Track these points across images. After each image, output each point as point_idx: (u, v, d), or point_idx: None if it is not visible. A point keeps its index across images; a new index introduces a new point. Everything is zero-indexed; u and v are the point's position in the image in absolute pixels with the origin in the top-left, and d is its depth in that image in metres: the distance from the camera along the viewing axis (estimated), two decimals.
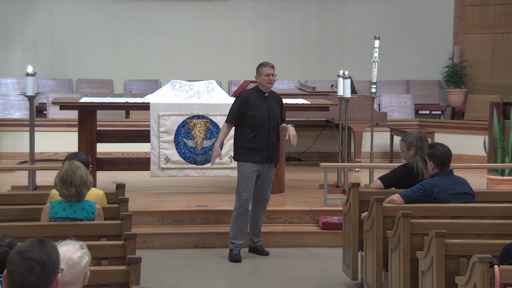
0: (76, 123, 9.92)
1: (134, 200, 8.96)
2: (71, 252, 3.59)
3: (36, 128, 9.84)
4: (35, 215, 6.10)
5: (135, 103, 10.19)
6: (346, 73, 10.18)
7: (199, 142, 9.80)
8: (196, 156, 9.80)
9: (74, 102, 10.29)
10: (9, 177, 11.07)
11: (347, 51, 14.55)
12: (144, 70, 14.32)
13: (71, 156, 6.54)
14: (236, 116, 8.25)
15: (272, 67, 8.32)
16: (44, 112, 13.56)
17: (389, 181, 7.23)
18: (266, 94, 8.35)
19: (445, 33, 14.62)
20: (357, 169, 11.77)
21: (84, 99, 10.46)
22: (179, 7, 14.40)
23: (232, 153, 9.78)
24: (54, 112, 13.07)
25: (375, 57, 9.89)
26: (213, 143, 9.76)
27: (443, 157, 6.61)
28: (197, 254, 8.57)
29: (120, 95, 13.90)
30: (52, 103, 10.45)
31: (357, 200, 7.16)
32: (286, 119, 10.40)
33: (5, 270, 3.25)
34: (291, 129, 8.22)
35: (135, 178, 10.57)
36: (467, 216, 6.31)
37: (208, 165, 9.81)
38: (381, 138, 12.95)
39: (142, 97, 10.65)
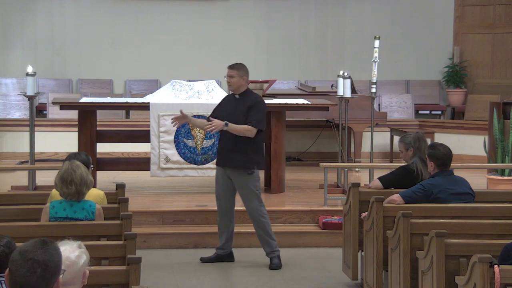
0: (76, 123, 9.92)
1: (134, 200, 8.96)
2: (69, 252, 3.60)
3: (36, 128, 9.84)
4: (35, 215, 6.10)
5: (135, 103, 10.19)
6: (346, 73, 10.18)
7: (199, 142, 9.80)
8: (196, 156, 9.80)
9: (74, 102, 10.29)
10: (9, 177, 11.07)
11: (347, 51, 14.55)
12: (144, 70, 14.32)
13: (71, 156, 6.55)
14: (214, 116, 8.10)
15: (229, 67, 7.96)
16: (44, 112, 13.56)
17: (388, 182, 7.23)
18: (237, 96, 8.01)
19: (445, 33, 14.61)
20: (357, 169, 11.76)
21: (84, 99, 10.46)
22: (179, 7, 14.39)
23: None
24: (54, 112, 13.07)
25: (375, 57, 9.89)
26: (213, 143, 9.78)
27: (444, 157, 6.61)
28: (197, 254, 8.56)
29: (120, 95, 13.90)
30: (52, 103, 10.46)
31: (357, 200, 7.16)
32: (287, 118, 10.43)
33: (7, 270, 3.25)
34: (215, 121, 7.80)
35: (135, 178, 10.57)
36: (467, 216, 6.32)
37: (208, 165, 9.81)
38: (381, 138, 12.95)
39: (142, 97, 10.65)
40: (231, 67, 7.97)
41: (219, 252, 8.21)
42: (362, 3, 14.60)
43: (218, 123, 7.81)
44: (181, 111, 8.20)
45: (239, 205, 9.59)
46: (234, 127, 7.81)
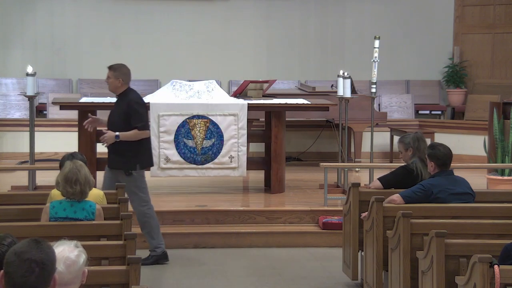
0: (76, 123, 9.92)
1: None
2: (68, 252, 3.60)
3: (36, 128, 9.84)
4: (35, 215, 6.10)
5: None
6: (346, 73, 10.18)
7: (199, 142, 9.80)
8: (196, 156, 9.80)
9: (74, 102, 10.29)
10: (9, 177, 11.07)
11: (347, 51, 14.55)
12: (144, 70, 14.31)
13: (67, 157, 6.53)
14: None
15: (108, 68, 8.04)
16: (44, 112, 13.56)
17: (388, 182, 7.23)
18: (117, 98, 8.15)
19: (445, 33, 14.61)
20: (357, 169, 11.76)
21: (84, 99, 10.46)
22: (179, 7, 14.39)
23: (232, 153, 9.81)
24: (54, 112, 13.07)
25: (375, 57, 9.89)
26: (213, 143, 9.77)
27: (444, 157, 6.61)
28: (197, 254, 8.57)
29: None
30: (52, 103, 10.46)
31: (357, 200, 7.16)
32: (287, 118, 10.44)
33: (1, 272, 3.23)
34: (107, 133, 7.89)
35: None
36: (467, 216, 6.32)
37: (208, 165, 9.81)
38: (381, 138, 12.95)
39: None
40: (109, 67, 8.06)
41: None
42: (362, 3, 14.60)
43: (108, 138, 7.87)
44: (89, 115, 8.27)
45: (238, 205, 9.61)
46: (125, 135, 7.85)
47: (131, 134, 7.87)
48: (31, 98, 9.41)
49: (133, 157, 7.91)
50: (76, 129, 9.90)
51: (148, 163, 8.19)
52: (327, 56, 14.53)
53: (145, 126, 7.96)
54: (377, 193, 6.90)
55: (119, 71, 8.00)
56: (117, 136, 7.84)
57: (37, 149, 9.94)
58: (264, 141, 10.51)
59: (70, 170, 5.92)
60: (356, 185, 7.22)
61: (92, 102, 10.02)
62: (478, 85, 14.41)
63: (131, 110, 7.91)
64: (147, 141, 8.05)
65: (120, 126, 7.91)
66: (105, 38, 14.25)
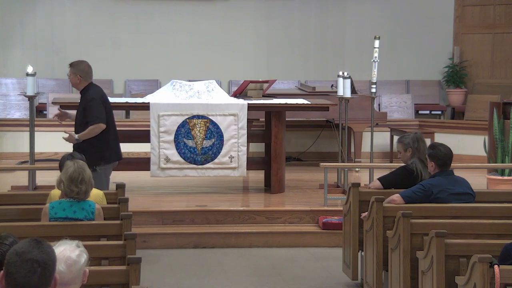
0: None
1: (134, 200, 8.95)
2: (69, 251, 3.60)
3: (36, 128, 9.84)
4: (35, 215, 6.10)
5: (135, 103, 10.19)
6: (346, 73, 10.18)
7: (199, 142, 9.80)
8: (196, 156, 9.80)
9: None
10: (9, 177, 11.07)
11: (347, 51, 14.55)
12: (144, 70, 14.31)
13: (67, 157, 6.53)
14: None
15: (69, 65, 8.12)
16: (44, 112, 13.56)
17: (388, 182, 7.23)
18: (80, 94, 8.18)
19: (445, 33, 14.62)
20: (357, 169, 11.77)
21: None
22: (179, 7, 14.39)
23: (232, 153, 9.81)
24: (54, 112, 13.00)
25: (375, 57, 9.89)
26: (213, 143, 9.78)
27: (444, 157, 6.61)
28: (197, 254, 8.57)
29: (120, 95, 13.89)
30: (52, 103, 10.45)
31: (357, 200, 7.16)
32: (287, 118, 10.44)
33: (1, 272, 3.23)
34: (69, 135, 7.97)
35: (135, 178, 10.57)
36: (467, 216, 6.32)
37: (208, 165, 9.81)
38: (381, 138, 12.95)
39: (142, 97, 10.64)
40: (69, 64, 8.12)
41: None
42: (362, 3, 14.60)
43: (68, 139, 7.98)
44: (58, 108, 8.33)
45: (238, 205, 9.61)
46: (83, 135, 7.94)
47: (87, 132, 7.92)
48: (31, 98, 9.41)
49: (96, 153, 7.95)
50: None
51: (114, 157, 8.19)
52: (327, 56, 14.54)
53: (98, 119, 7.93)
54: (377, 193, 6.90)
55: (76, 68, 8.06)
56: (77, 140, 7.93)
57: (37, 149, 9.94)
58: (264, 141, 10.51)
59: (75, 170, 5.91)
60: (356, 185, 7.23)
61: None
62: (478, 85, 14.41)
63: (88, 106, 7.99)
64: (109, 136, 8.07)
65: (80, 121, 8.03)
66: (105, 38, 14.25)
